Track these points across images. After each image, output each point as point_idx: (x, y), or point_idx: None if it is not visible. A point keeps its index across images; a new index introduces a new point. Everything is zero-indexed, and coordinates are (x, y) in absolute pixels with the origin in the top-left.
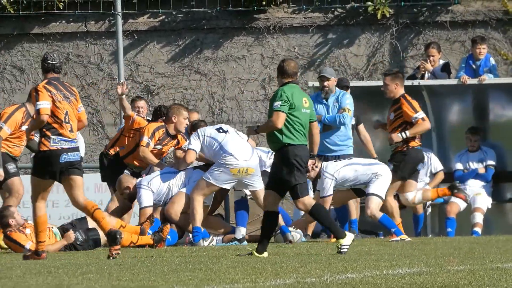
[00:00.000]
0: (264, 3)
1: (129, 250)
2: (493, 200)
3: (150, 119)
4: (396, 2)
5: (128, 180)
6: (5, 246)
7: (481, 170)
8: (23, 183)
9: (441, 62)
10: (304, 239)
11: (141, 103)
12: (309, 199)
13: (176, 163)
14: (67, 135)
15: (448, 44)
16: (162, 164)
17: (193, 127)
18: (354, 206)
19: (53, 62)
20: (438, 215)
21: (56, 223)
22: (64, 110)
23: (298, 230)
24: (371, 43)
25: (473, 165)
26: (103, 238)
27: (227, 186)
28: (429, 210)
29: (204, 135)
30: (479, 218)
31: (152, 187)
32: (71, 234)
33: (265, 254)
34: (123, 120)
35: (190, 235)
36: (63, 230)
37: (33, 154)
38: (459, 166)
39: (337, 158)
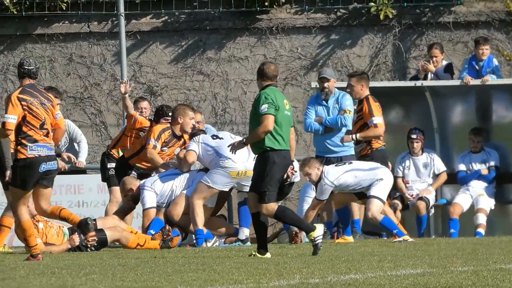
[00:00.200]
0: (266, 3)
1: (133, 251)
2: (496, 201)
3: (152, 119)
4: (399, 3)
5: (131, 182)
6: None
7: (484, 171)
8: None
9: (444, 63)
10: (307, 240)
11: (144, 104)
12: (272, 206)
13: (179, 165)
14: (43, 140)
15: (451, 45)
16: (166, 166)
17: (190, 137)
18: (357, 206)
19: (29, 68)
20: (441, 216)
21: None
22: (41, 116)
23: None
24: (374, 44)
25: (476, 166)
26: (109, 237)
27: (226, 189)
28: (432, 211)
29: (199, 142)
30: (482, 219)
31: (155, 189)
32: (76, 238)
33: (268, 254)
34: (126, 120)
35: (193, 236)
36: (72, 231)
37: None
38: (462, 167)
39: (339, 159)
